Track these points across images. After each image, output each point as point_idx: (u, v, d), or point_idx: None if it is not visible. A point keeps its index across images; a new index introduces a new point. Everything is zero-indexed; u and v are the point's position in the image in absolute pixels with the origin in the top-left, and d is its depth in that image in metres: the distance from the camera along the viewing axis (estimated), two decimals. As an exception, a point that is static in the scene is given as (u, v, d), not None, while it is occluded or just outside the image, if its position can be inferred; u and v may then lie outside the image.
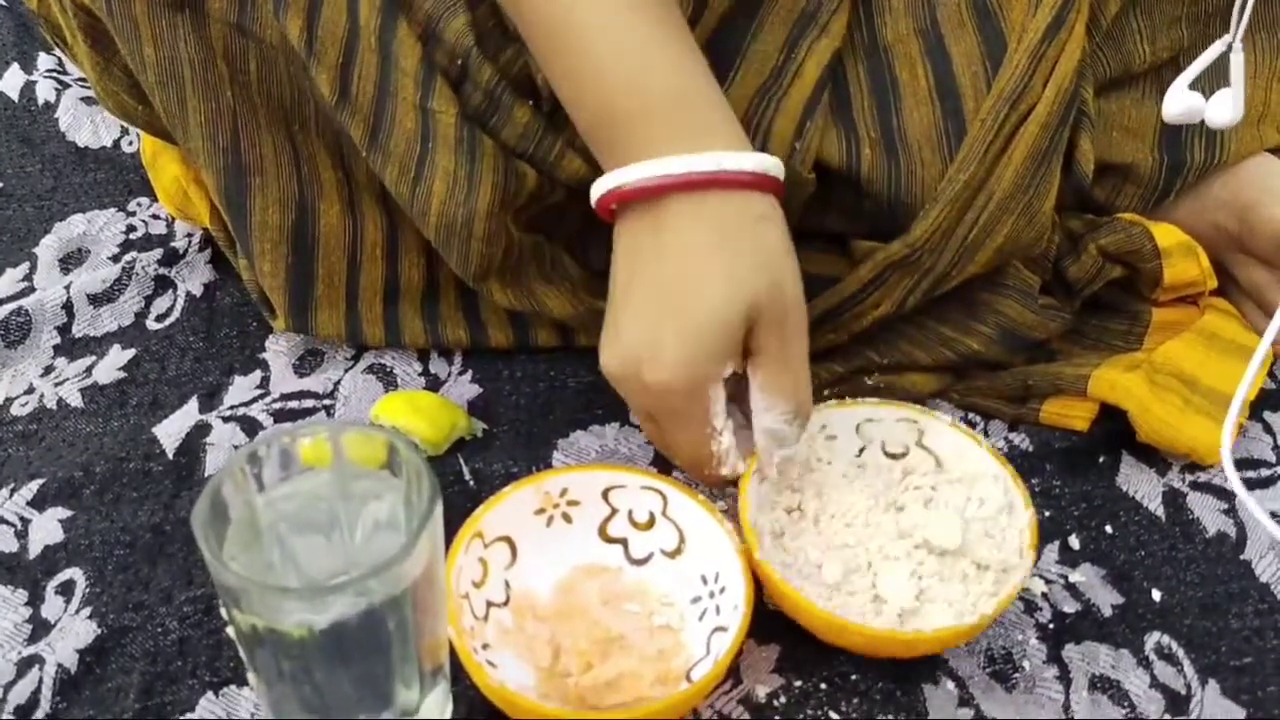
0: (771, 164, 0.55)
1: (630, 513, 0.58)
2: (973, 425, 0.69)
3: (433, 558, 0.45)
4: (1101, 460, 0.67)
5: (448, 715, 0.51)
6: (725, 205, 0.54)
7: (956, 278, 0.65)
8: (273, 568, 0.46)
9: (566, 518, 0.58)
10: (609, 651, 0.54)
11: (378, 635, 0.44)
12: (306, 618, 0.42)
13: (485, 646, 0.53)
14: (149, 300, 0.74)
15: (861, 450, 0.62)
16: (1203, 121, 0.59)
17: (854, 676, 0.55)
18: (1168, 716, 0.55)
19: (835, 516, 0.58)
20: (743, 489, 0.56)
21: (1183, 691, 0.56)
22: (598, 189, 0.57)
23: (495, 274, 0.65)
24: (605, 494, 0.58)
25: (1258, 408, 0.69)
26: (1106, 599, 0.59)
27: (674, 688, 0.52)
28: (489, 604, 0.55)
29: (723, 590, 0.54)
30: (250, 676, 0.49)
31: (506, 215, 0.63)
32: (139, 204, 0.82)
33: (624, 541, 0.58)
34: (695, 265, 0.54)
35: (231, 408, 0.67)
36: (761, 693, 0.54)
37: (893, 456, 0.61)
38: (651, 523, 0.58)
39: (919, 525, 0.58)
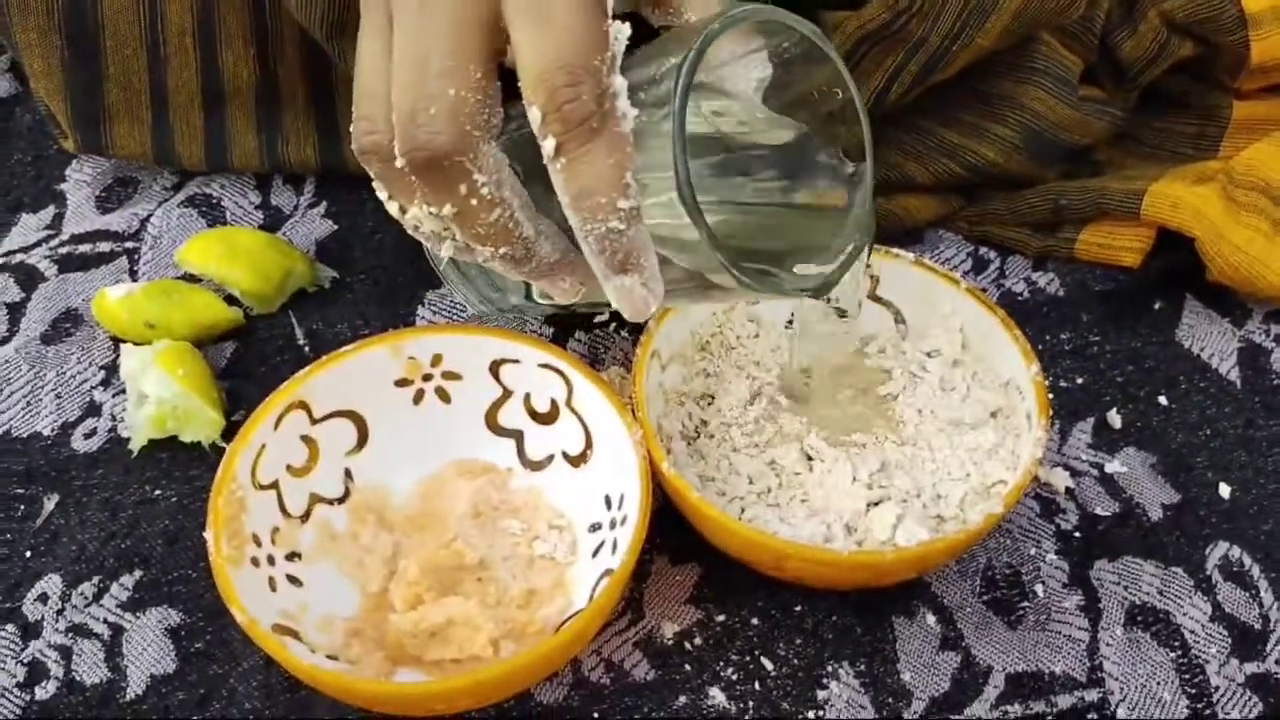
0: None
1: (528, 397, 0.43)
2: (985, 264, 0.52)
3: None
4: (1157, 307, 0.51)
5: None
6: None
7: (959, 55, 0.48)
8: None
9: (442, 395, 0.44)
10: (455, 584, 0.40)
11: None
12: None
13: (293, 557, 0.40)
14: (-74, 121, 0.59)
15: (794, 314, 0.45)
16: None
17: (798, 608, 0.41)
18: (1234, 661, 0.39)
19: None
20: (638, 376, 0.40)
21: (1257, 625, 0.41)
22: None
23: (355, 29, 0.49)
24: (494, 369, 0.43)
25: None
26: (1156, 496, 0.45)
27: (522, 648, 0.37)
28: (315, 498, 0.42)
29: (625, 520, 0.39)
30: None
31: None
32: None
33: (518, 435, 0.44)
34: None
35: (8, 254, 0.52)
36: (669, 631, 0.40)
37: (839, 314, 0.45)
38: (554, 414, 0.43)
39: (879, 408, 0.42)
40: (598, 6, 0.30)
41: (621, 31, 0.31)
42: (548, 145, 0.30)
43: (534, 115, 0.30)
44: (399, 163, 0.31)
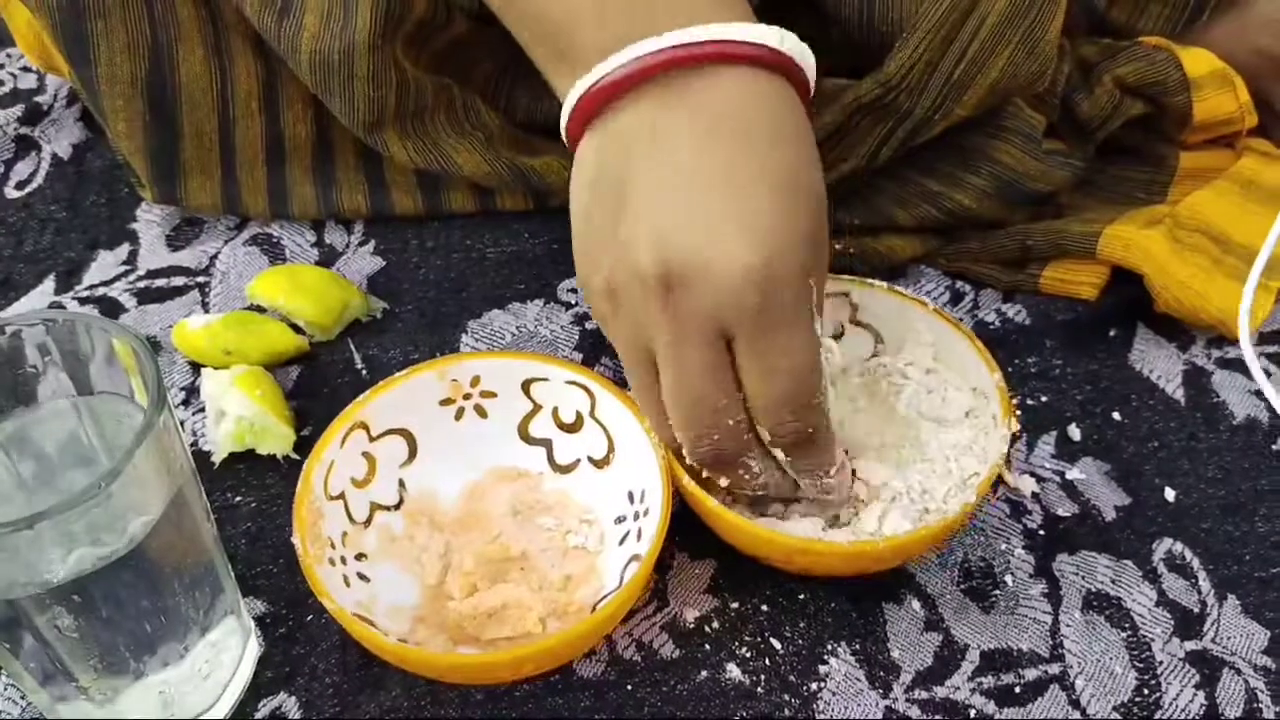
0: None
1: (555, 410, 0.49)
2: (961, 296, 0.59)
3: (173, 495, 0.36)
4: (1112, 334, 0.57)
5: (249, 653, 0.44)
6: (772, 86, 0.40)
7: (940, 123, 0.54)
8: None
9: (480, 411, 0.49)
10: (503, 573, 0.46)
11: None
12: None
13: (360, 557, 0.45)
14: (9, 165, 0.64)
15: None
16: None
17: (801, 596, 0.47)
18: (1176, 640, 0.46)
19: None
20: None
21: (1196, 609, 0.47)
22: (580, 89, 0.41)
23: (392, 123, 0.55)
24: (525, 387, 0.49)
25: (1302, 269, 0.59)
26: (1110, 499, 0.50)
27: (566, 625, 0.43)
28: (374, 506, 0.47)
29: (647, 512, 0.45)
30: None
31: (394, 47, 0.52)
32: (8, 55, 0.71)
33: (548, 444, 0.50)
34: (768, 146, 0.39)
35: (91, 287, 0.58)
36: (690, 616, 0.46)
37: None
38: (579, 424, 0.49)
39: (866, 420, 0.48)
40: (812, 348, 0.39)
41: (833, 351, 0.42)
42: (778, 452, 0.42)
43: (763, 433, 0.41)
44: (688, 460, 0.43)
